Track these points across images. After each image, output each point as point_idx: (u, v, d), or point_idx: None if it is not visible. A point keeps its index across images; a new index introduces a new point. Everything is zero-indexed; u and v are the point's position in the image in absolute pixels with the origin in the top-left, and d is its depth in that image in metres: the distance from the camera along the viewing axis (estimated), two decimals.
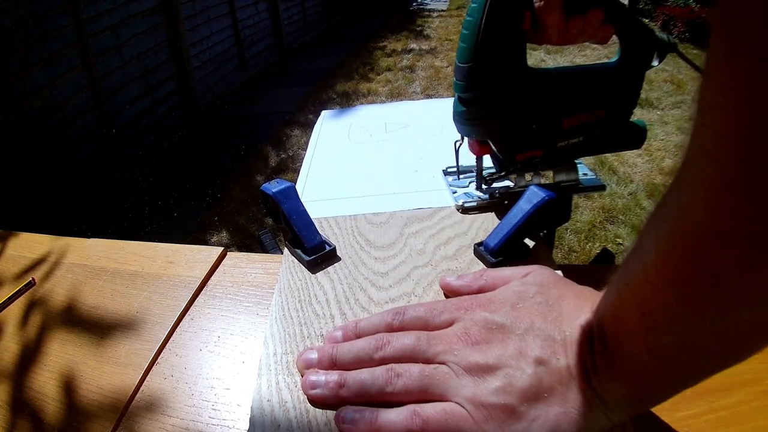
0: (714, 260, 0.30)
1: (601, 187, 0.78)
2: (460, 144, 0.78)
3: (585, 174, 0.80)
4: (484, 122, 0.69)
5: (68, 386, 0.61)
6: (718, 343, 0.35)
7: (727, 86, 0.26)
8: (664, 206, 0.34)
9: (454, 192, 0.80)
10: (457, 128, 0.72)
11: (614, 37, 0.68)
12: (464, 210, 0.76)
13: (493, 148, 0.72)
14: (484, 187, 0.79)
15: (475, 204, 0.76)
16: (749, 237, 0.28)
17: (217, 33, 7.10)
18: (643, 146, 0.80)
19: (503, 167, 0.75)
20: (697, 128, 0.29)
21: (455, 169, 0.84)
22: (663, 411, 0.50)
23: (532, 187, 0.71)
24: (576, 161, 0.81)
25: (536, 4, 0.62)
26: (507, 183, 0.79)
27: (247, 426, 0.51)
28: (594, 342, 0.41)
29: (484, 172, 0.78)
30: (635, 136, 0.75)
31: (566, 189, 0.77)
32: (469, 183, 0.81)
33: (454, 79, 0.68)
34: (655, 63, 0.70)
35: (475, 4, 0.62)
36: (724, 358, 0.36)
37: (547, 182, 0.77)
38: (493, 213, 0.74)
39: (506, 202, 0.76)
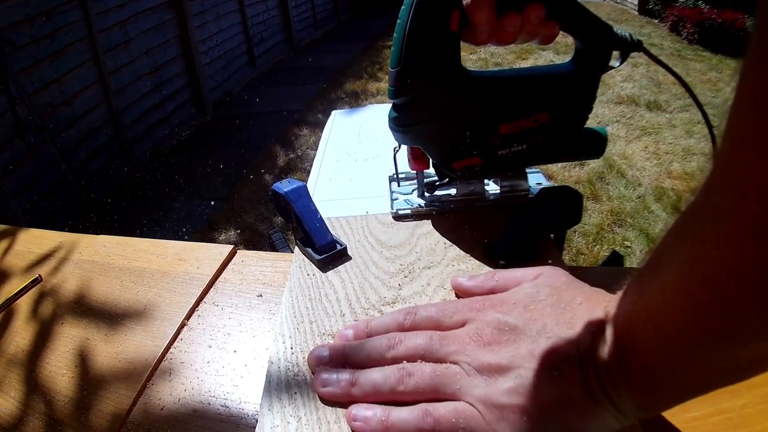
0: (733, 296, 0.30)
1: (530, 199, 0.75)
2: (398, 150, 0.76)
3: (539, 183, 0.78)
4: (414, 129, 0.66)
5: (75, 382, 0.61)
6: (731, 365, 0.35)
7: (763, 127, 0.25)
8: (683, 229, 0.34)
9: (396, 198, 0.78)
10: (393, 135, 0.70)
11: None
12: (397, 217, 0.75)
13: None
14: (427, 194, 0.77)
15: (409, 212, 0.75)
16: None
17: (227, 30, 7.12)
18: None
19: (443, 175, 0.74)
20: (723, 162, 0.29)
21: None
22: (671, 412, 0.49)
23: (543, 188, 0.70)
24: (531, 169, 0.79)
25: (464, 2, 0.58)
26: (451, 191, 0.77)
27: (255, 423, 0.51)
28: (606, 347, 0.41)
29: (428, 180, 0.76)
30: (592, 144, 0.72)
31: (515, 199, 0.75)
32: (413, 190, 0.80)
33: (388, 84, 0.66)
34: (615, 64, 0.67)
35: (404, 6, 0.59)
36: (738, 376, 0.36)
37: (551, 185, 0.74)
38: (510, 214, 0.71)
39: (432, 212, 0.75)
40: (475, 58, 7.44)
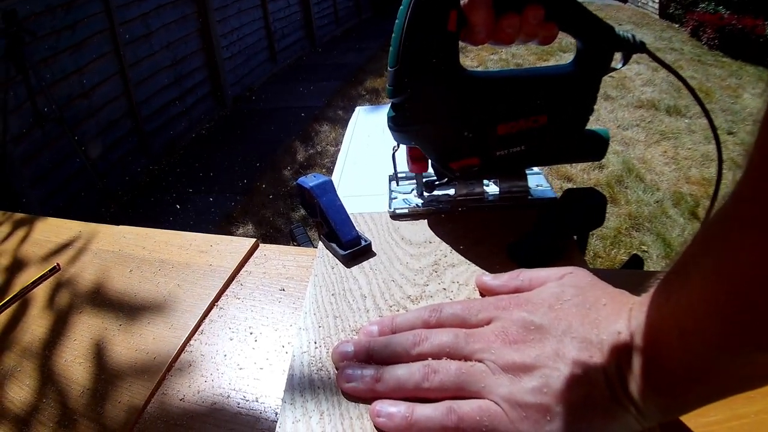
0: (758, 306, 0.30)
1: (554, 200, 0.74)
2: (396, 150, 0.76)
3: (539, 185, 0.77)
4: (412, 128, 0.66)
5: (92, 372, 0.61)
6: (752, 371, 0.35)
7: None
8: (710, 237, 0.35)
9: (395, 198, 0.78)
10: (391, 135, 0.70)
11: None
12: (395, 216, 0.75)
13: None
14: (425, 194, 0.77)
15: (406, 211, 0.75)
16: None
17: (248, 25, 7.17)
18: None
19: (442, 175, 0.74)
20: (753, 172, 0.29)
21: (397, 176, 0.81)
22: (688, 416, 0.49)
23: (568, 190, 0.70)
24: (533, 170, 0.79)
25: (462, 2, 0.58)
26: (450, 191, 0.77)
27: (275, 417, 0.51)
28: (631, 350, 0.41)
29: (426, 179, 0.76)
30: (592, 146, 0.71)
31: (515, 200, 0.75)
32: (412, 189, 0.79)
33: (386, 84, 0.66)
34: (618, 66, 0.66)
35: (402, 6, 0.59)
36: (758, 382, 0.37)
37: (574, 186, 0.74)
38: (534, 212, 0.71)
39: (441, 209, 0.75)
40: (496, 58, 7.43)
